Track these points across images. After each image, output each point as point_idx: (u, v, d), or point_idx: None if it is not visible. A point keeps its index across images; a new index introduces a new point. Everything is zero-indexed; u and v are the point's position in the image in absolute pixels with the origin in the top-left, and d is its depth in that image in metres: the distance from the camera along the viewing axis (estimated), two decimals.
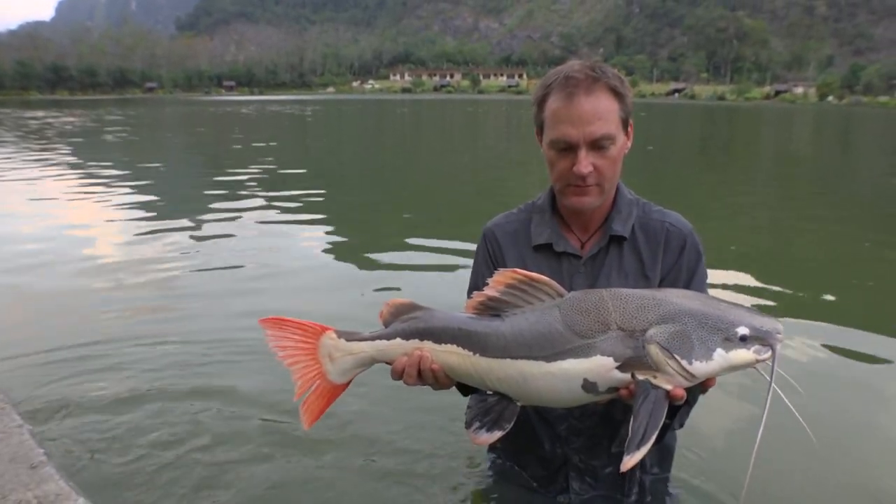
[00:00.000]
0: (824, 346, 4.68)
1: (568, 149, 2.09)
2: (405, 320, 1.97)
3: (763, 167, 17.22)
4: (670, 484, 2.50)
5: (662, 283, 2.18)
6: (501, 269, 1.89)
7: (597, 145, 2.07)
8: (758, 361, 1.76)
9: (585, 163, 2.07)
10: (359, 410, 3.64)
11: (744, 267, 6.67)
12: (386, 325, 2.00)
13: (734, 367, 1.77)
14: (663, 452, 2.45)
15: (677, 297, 1.80)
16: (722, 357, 1.74)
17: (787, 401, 1.75)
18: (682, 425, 2.25)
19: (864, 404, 3.91)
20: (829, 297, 5.84)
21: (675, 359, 1.73)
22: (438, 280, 6.14)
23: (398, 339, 1.96)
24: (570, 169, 2.10)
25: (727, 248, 7.55)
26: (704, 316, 1.75)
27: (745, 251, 7.50)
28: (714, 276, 6.06)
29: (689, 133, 31.55)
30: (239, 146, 21.23)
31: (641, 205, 2.30)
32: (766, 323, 1.76)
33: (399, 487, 3.01)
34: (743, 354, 1.75)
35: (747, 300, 5.56)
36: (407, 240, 7.74)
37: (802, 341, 4.74)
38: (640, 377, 1.76)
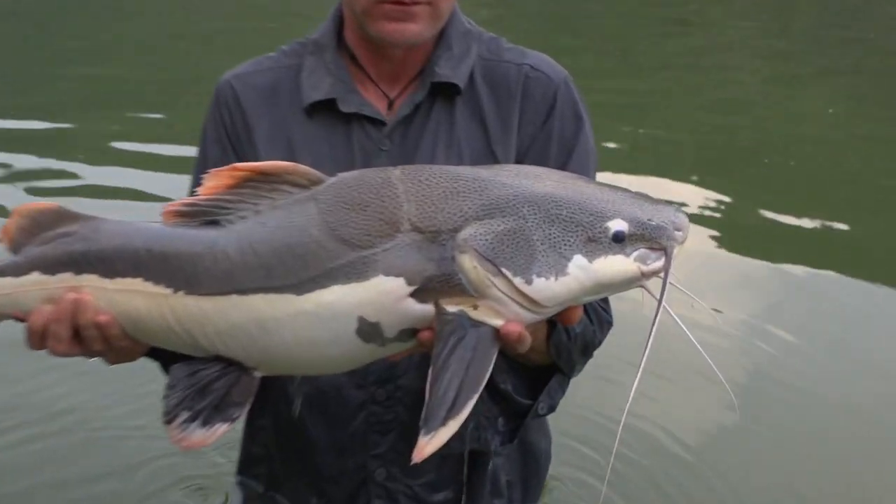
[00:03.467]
0: None
1: None
2: (48, 240, 1.21)
3: None
4: None
5: (522, 161, 1.50)
6: (216, 171, 1.19)
7: None
8: (644, 275, 1.14)
9: None
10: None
11: None
12: (15, 250, 1.23)
13: (605, 287, 1.15)
14: (528, 463, 1.66)
15: (514, 177, 1.17)
16: (582, 269, 1.11)
17: (691, 337, 1.14)
18: (552, 408, 1.57)
19: None
20: None
21: (502, 275, 1.10)
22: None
23: (35, 275, 1.21)
24: None
25: None
26: (556, 204, 1.12)
27: None
28: None
29: None
30: None
31: (486, 40, 1.57)
32: (657, 213, 1.14)
33: None
34: (618, 264, 1.12)
35: None
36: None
37: None
38: (450, 308, 1.12)
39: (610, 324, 1.54)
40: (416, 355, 1.27)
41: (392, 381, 1.48)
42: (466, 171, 1.18)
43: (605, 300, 1.50)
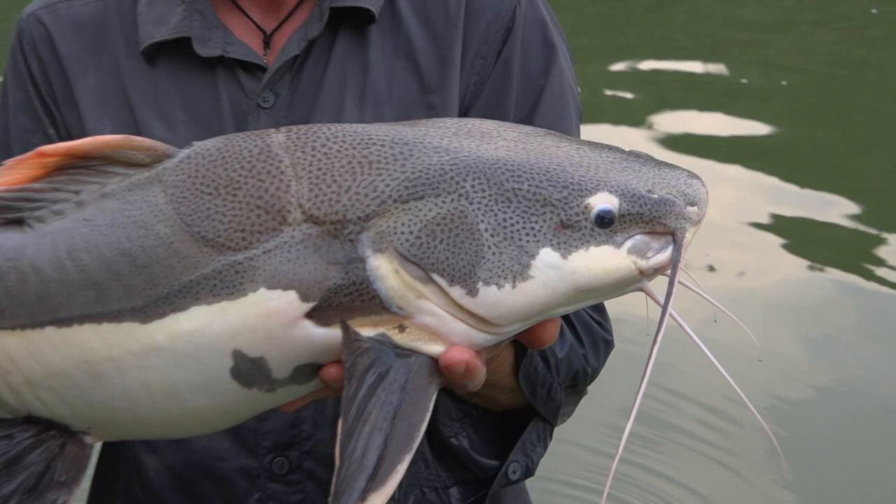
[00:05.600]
0: None
1: None
2: None
3: None
4: None
5: (469, 113, 1.14)
6: (13, 162, 0.83)
7: None
8: (643, 274, 0.81)
9: None
10: None
11: None
12: None
13: (587, 292, 0.82)
14: None
15: (453, 137, 0.84)
16: (552, 269, 0.80)
17: (710, 355, 0.80)
18: (529, 471, 1.15)
19: None
20: None
21: (435, 282, 0.78)
22: None
23: None
24: None
25: None
26: (513, 175, 0.81)
27: None
28: None
29: None
30: None
31: None
32: (660, 180, 0.82)
33: None
34: (605, 259, 0.81)
35: None
36: None
37: None
38: (365, 333, 0.80)
39: (609, 343, 1.17)
40: (329, 404, 0.96)
41: (296, 445, 1.08)
42: (382, 130, 0.84)
43: (600, 309, 1.15)
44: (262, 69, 1.09)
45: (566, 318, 1.08)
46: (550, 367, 1.06)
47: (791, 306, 3.36)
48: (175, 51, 1.10)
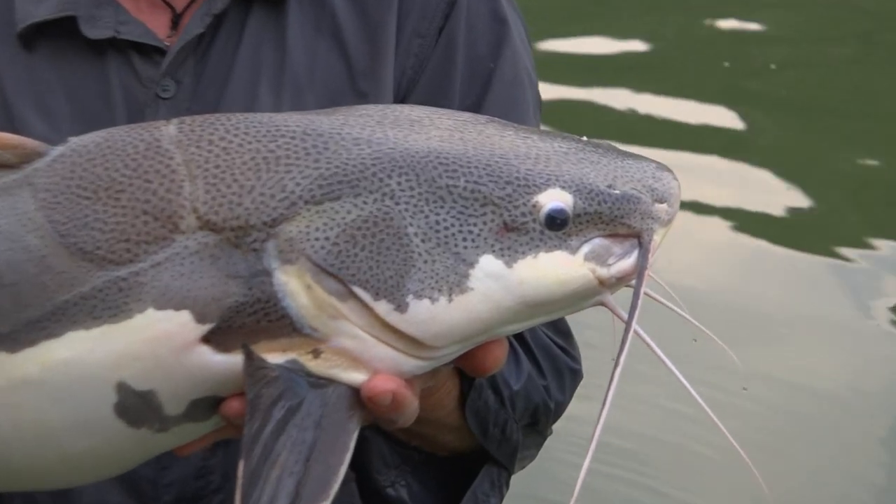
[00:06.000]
0: None
1: None
2: None
3: None
4: None
5: (406, 101, 0.99)
6: None
7: None
8: (603, 284, 0.70)
9: None
10: None
11: None
12: None
13: (537, 307, 0.70)
14: None
15: (376, 126, 0.73)
16: (495, 279, 0.68)
17: (686, 384, 0.69)
18: None
19: None
20: None
21: (356, 297, 0.67)
22: None
23: None
24: None
25: None
26: (447, 169, 0.69)
27: None
28: None
29: None
30: None
31: None
32: (623, 173, 0.72)
33: None
34: (557, 266, 0.69)
35: None
36: None
37: None
38: (273, 359, 0.68)
39: (575, 373, 1.03)
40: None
41: (203, 499, 0.94)
42: (292, 120, 0.72)
43: (563, 332, 1.02)
44: (163, 53, 0.95)
45: (523, 343, 0.96)
46: (504, 400, 0.93)
47: None
48: (58, 33, 0.95)
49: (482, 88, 0.99)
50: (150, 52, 0.95)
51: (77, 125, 0.88)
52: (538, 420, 0.99)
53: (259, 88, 0.95)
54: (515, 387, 0.94)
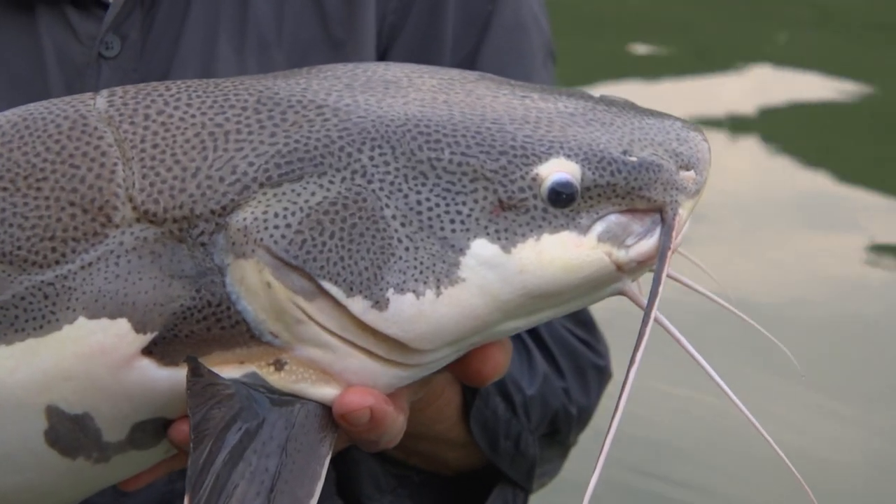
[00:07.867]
0: None
1: None
2: None
3: None
4: None
5: (389, 54, 0.88)
6: None
7: None
8: (621, 269, 0.59)
9: None
10: None
11: None
12: None
13: (543, 298, 0.59)
14: None
15: (345, 89, 0.62)
16: (491, 267, 0.58)
17: (720, 382, 0.58)
18: None
19: None
20: None
21: (325, 293, 0.57)
22: None
23: None
24: None
25: None
26: (429, 140, 0.59)
27: None
28: None
29: None
30: None
31: None
32: (641, 135, 0.60)
33: None
34: (564, 249, 0.58)
35: None
36: None
37: None
38: (227, 373, 0.58)
39: (602, 371, 0.92)
40: None
41: None
42: (244, 87, 0.62)
43: (585, 323, 0.91)
44: (104, 6, 0.83)
45: (537, 339, 0.85)
46: (516, 408, 0.82)
47: None
48: None
49: (478, 36, 0.88)
50: (90, 4, 0.84)
51: (6, 95, 0.79)
52: (558, 429, 0.88)
53: (217, 45, 0.85)
54: (529, 391, 0.83)
